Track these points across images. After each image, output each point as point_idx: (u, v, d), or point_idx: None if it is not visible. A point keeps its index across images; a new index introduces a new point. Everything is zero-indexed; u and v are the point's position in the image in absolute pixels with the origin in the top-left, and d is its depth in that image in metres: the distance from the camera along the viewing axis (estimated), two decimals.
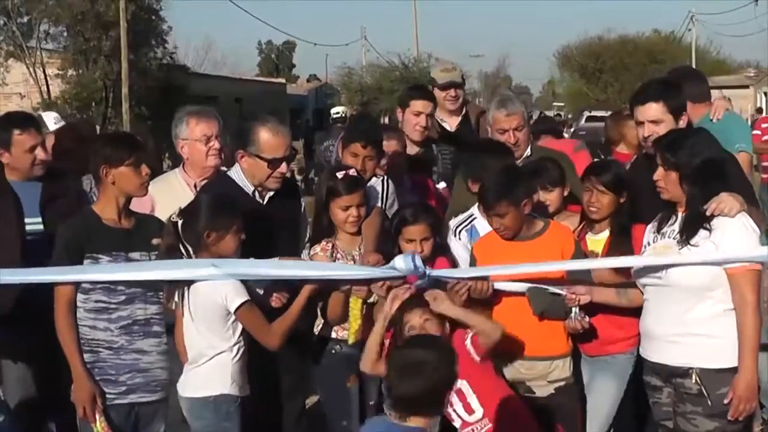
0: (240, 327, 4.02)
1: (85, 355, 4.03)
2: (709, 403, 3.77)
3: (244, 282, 3.99)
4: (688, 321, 3.83)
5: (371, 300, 4.30)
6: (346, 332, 4.37)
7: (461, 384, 4.02)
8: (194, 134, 4.85)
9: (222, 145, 4.90)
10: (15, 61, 28.96)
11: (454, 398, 4.05)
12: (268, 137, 4.41)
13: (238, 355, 4.03)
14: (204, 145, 4.84)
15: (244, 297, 3.93)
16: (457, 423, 4.14)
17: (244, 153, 4.45)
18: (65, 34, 29.21)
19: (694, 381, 3.80)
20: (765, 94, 37.87)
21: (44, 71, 28.92)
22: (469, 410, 4.08)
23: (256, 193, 4.50)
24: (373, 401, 4.51)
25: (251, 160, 4.43)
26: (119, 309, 4.06)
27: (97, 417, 4.01)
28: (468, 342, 4.09)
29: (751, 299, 3.72)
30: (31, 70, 28.64)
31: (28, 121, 4.84)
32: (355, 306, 4.27)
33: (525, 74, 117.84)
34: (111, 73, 27.64)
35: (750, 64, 44.58)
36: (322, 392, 4.57)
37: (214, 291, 3.94)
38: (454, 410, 4.09)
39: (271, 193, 4.52)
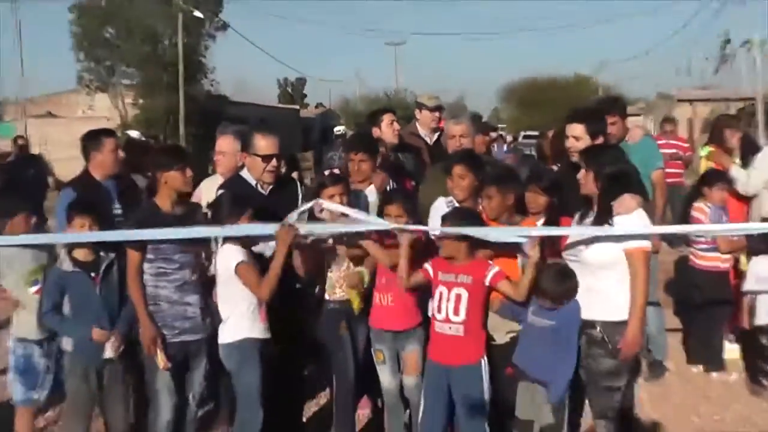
0: None
1: (150, 307, 4.05)
2: (609, 347, 3.76)
3: (251, 253, 4.01)
4: (596, 287, 3.79)
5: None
6: (336, 294, 4.30)
7: (462, 292, 3.90)
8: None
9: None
10: (101, 94, 30.38)
11: (451, 296, 3.91)
12: (260, 139, 4.42)
13: (253, 307, 4.02)
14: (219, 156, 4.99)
15: (240, 258, 3.95)
16: (439, 315, 3.94)
17: (246, 154, 4.48)
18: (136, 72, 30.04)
19: (598, 330, 3.78)
20: (651, 120, 38.26)
21: (122, 101, 29.88)
22: (456, 312, 3.91)
23: (259, 185, 4.48)
24: (362, 344, 4.41)
25: (250, 159, 4.44)
26: (174, 273, 4.07)
27: (159, 352, 4.02)
28: (491, 271, 3.92)
29: (641, 273, 3.69)
30: (113, 100, 29.66)
31: (109, 132, 4.88)
32: (362, 281, 4.23)
33: (477, 103, 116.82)
34: (171, 101, 28.06)
35: (639, 99, 45.12)
36: (322, 338, 4.42)
37: (226, 256, 3.98)
38: (446, 306, 3.92)
39: (271, 186, 4.50)
